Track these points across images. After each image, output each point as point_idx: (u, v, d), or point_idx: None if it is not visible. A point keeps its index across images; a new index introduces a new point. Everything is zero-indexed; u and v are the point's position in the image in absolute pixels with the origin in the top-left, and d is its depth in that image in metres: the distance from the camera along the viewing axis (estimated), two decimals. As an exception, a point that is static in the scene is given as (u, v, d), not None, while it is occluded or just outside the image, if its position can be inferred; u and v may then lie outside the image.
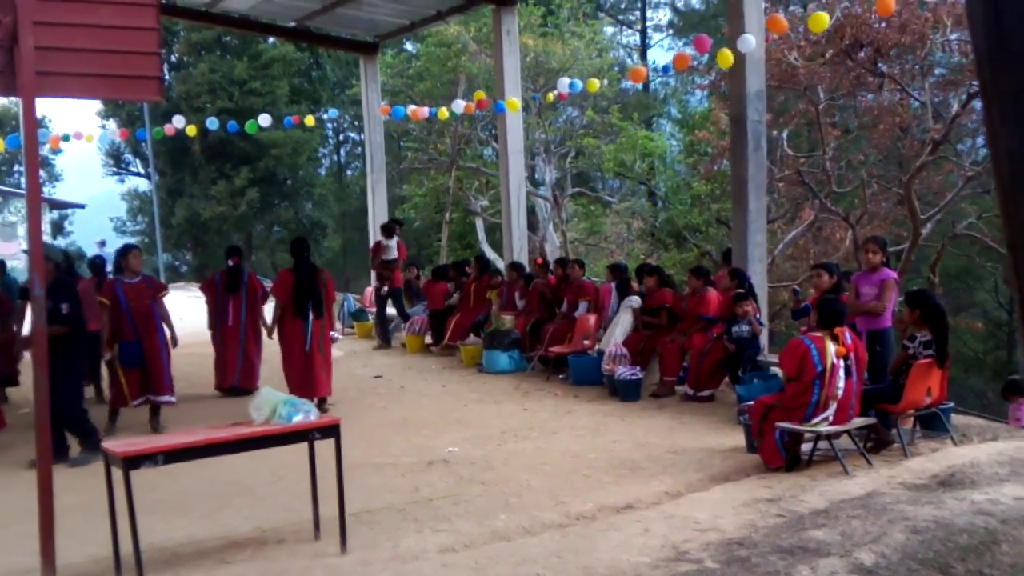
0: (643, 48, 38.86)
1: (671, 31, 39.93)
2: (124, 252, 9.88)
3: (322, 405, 10.20)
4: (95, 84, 6.04)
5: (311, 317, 10.06)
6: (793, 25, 14.18)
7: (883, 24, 13.57)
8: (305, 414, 5.63)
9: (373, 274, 17.97)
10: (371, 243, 18.87)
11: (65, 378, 8.17)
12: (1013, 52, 2.06)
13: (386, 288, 15.42)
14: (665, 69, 14.39)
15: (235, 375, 11.43)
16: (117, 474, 5.26)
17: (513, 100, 14.56)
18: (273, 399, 5.65)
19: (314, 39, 22.24)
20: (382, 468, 7.79)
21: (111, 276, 9.99)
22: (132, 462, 5.15)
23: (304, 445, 5.83)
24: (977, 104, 13.16)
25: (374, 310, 16.81)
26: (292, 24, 19.15)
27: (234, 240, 33.17)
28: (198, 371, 12.40)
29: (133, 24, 6.09)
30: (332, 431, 5.72)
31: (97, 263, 12.12)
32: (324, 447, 5.81)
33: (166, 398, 9.73)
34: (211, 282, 11.82)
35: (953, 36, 13.40)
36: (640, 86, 36.54)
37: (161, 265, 35.14)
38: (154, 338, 9.64)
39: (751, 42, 10.64)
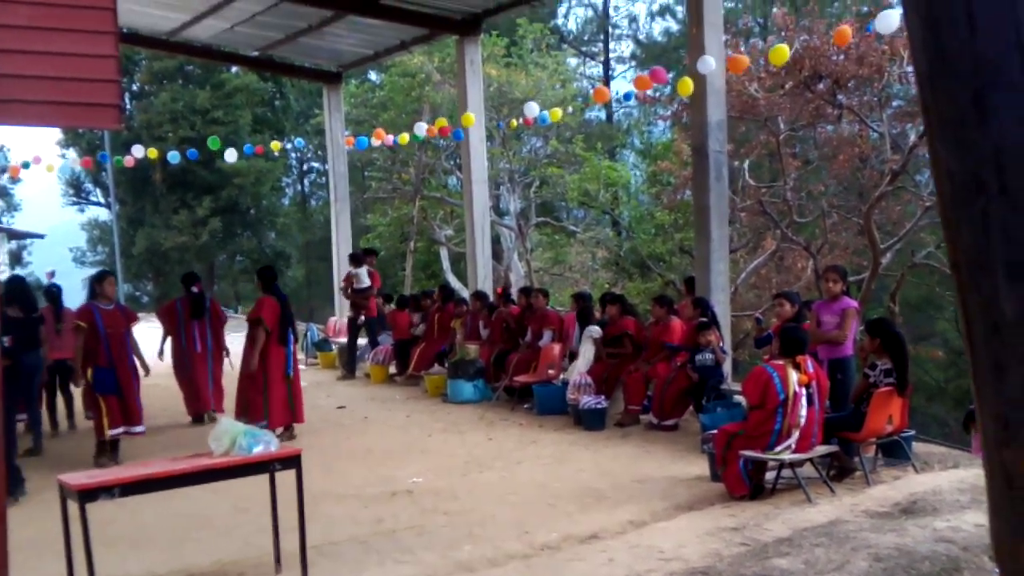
0: (606, 79, 39.13)
1: (634, 63, 40.34)
2: (100, 278, 9.76)
3: (290, 432, 10.14)
4: (52, 112, 5.95)
5: (291, 343, 10.17)
6: (753, 57, 14.36)
7: (841, 56, 13.80)
8: (266, 445, 5.56)
9: (347, 304, 17.89)
10: (335, 273, 18.84)
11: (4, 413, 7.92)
12: (952, 74, 2.08)
13: (362, 318, 15.34)
14: (627, 96, 14.49)
15: (210, 400, 11.34)
16: (73, 508, 5.16)
17: (469, 115, 14.61)
18: (233, 430, 5.57)
19: (277, 69, 22.21)
20: (344, 499, 7.70)
21: (88, 302, 9.71)
22: (88, 495, 5.06)
23: (266, 476, 5.75)
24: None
25: (339, 340, 16.75)
26: (255, 53, 19.13)
27: (195, 269, 32.84)
28: (156, 401, 12.20)
29: (91, 52, 6.04)
30: (293, 462, 5.64)
31: (53, 292, 11.91)
32: (286, 478, 5.74)
33: (139, 428, 9.63)
34: (171, 309, 11.68)
35: (910, 68, 13.63)
36: (604, 117, 36.95)
37: (122, 295, 34.65)
38: (126, 366, 9.56)
39: (711, 63, 10.74)
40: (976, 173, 2.06)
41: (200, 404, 11.46)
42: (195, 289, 11.50)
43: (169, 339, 11.58)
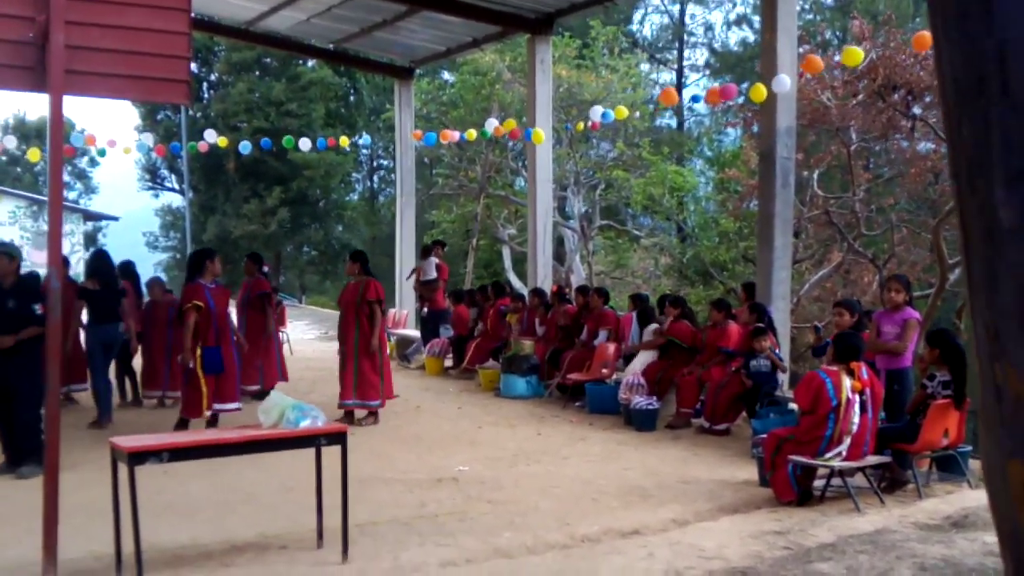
0: (679, 86, 38.90)
1: (707, 71, 40.04)
2: (209, 255, 9.82)
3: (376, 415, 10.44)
4: (123, 85, 6.10)
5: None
6: (827, 66, 14.14)
7: (917, 67, 13.52)
8: (313, 419, 5.63)
9: (409, 296, 18.11)
10: (398, 266, 19.02)
11: (32, 381, 7.97)
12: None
13: (426, 309, 15.50)
14: (695, 99, 14.38)
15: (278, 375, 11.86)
16: (124, 474, 5.27)
17: (539, 131, 14.64)
18: (282, 403, 5.65)
19: (351, 61, 22.47)
20: (390, 483, 7.76)
21: (195, 281, 9.65)
22: (137, 458, 5.16)
23: (313, 457, 5.82)
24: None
25: (396, 331, 16.94)
26: (330, 46, 19.39)
27: (265, 258, 33.41)
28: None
29: (164, 28, 6.17)
30: (339, 438, 5.70)
31: (130, 269, 12.18)
32: (333, 459, 5.79)
33: (234, 405, 9.66)
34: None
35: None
36: (674, 124, 36.74)
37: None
38: (230, 344, 9.68)
39: (786, 82, 10.64)
40: (978, 71, 2.00)
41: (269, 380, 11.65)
42: (266, 269, 11.78)
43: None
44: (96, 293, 10.52)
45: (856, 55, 10.42)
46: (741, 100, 18.89)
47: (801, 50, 13.21)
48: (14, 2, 5.69)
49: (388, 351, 10.69)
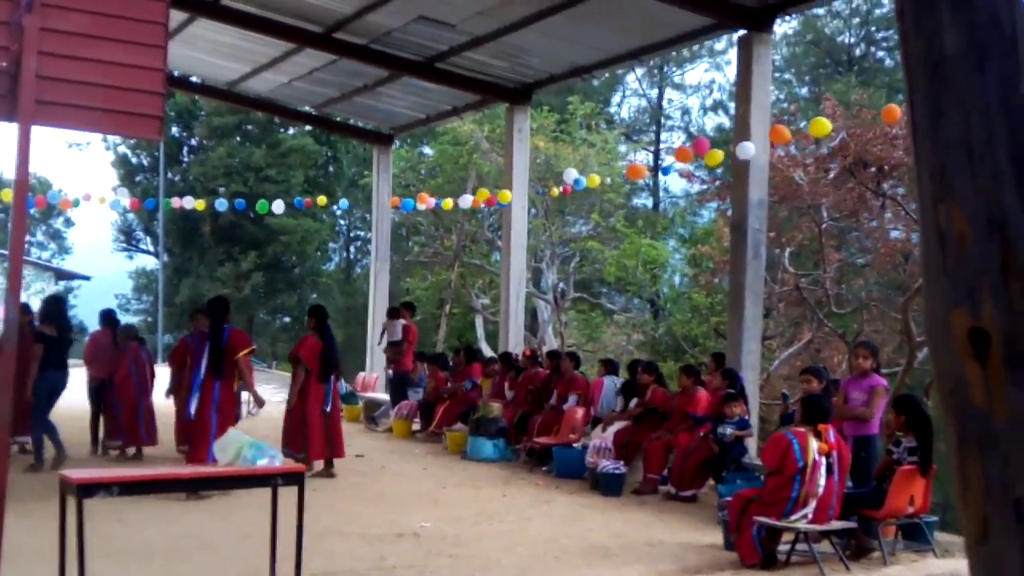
0: (655, 168, 39.44)
1: (676, 160, 40.56)
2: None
3: (330, 468, 10.38)
4: (95, 117, 6.06)
5: (331, 381, 10.50)
6: (797, 142, 14.40)
7: (888, 145, 13.77)
8: (270, 459, 5.51)
9: (378, 361, 18.05)
10: (370, 330, 18.95)
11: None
12: None
13: (391, 371, 15.41)
14: (666, 171, 14.60)
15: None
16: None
17: (506, 192, 14.81)
18: (239, 441, 5.54)
19: (331, 126, 22.67)
20: (349, 537, 7.60)
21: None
22: (87, 490, 5.03)
23: (267, 506, 5.69)
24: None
25: (365, 394, 16.82)
26: (311, 110, 19.57)
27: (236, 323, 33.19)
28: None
29: (140, 63, 6.17)
30: (296, 478, 5.58)
31: (112, 318, 12.16)
32: (289, 507, 5.65)
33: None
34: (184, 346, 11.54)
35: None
36: (650, 204, 37.15)
37: (160, 345, 35.07)
38: None
39: (750, 149, 10.81)
40: None
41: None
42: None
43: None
44: (53, 338, 10.40)
45: (823, 126, 10.62)
46: (716, 186, 19.20)
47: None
48: (-11, 31, 5.70)
49: (324, 408, 10.43)
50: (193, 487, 5.48)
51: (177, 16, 13.94)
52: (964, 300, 1.99)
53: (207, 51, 16.56)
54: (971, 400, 2.01)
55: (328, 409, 10.45)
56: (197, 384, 9.38)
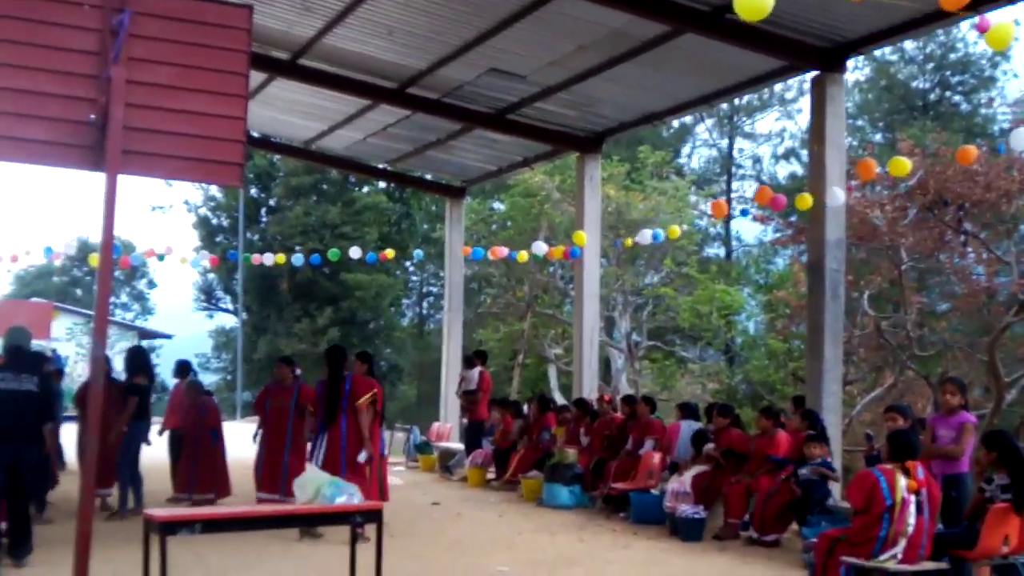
0: (728, 217, 39.17)
1: (756, 203, 40.26)
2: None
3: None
4: (179, 166, 6.25)
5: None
6: (876, 180, 14.18)
7: (968, 182, 13.49)
8: (349, 496, 5.54)
9: (453, 410, 18.12)
10: (443, 380, 19.04)
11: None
12: None
13: (466, 420, 15.45)
14: (744, 213, 14.47)
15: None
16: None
17: (581, 233, 14.80)
18: (318, 479, 5.58)
19: (405, 180, 23.04)
20: (427, 581, 7.56)
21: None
22: (169, 527, 5.10)
23: (346, 552, 5.72)
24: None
25: (440, 444, 16.87)
26: (385, 165, 19.94)
27: (311, 377, 33.61)
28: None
29: (221, 112, 6.36)
30: (375, 516, 5.59)
31: (188, 366, 12.43)
32: (366, 553, 5.67)
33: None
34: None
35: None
36: (722, 253, 36.85)
37: (239, 402, 35.69)
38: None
39: (839, 196, 10.70)
40: None
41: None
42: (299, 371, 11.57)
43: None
44: (145, 388, 10.69)
45: (903, 165, 10.44)
46: (791, 232, 18.97)
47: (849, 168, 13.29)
48: (78, 85, 5.92)
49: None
50: (275, 525, 5.51)
51: (256, 77, 14.38)
52: None
53: (284, 111, 17.05)
54: None
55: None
56: (321, 430, 9.45)
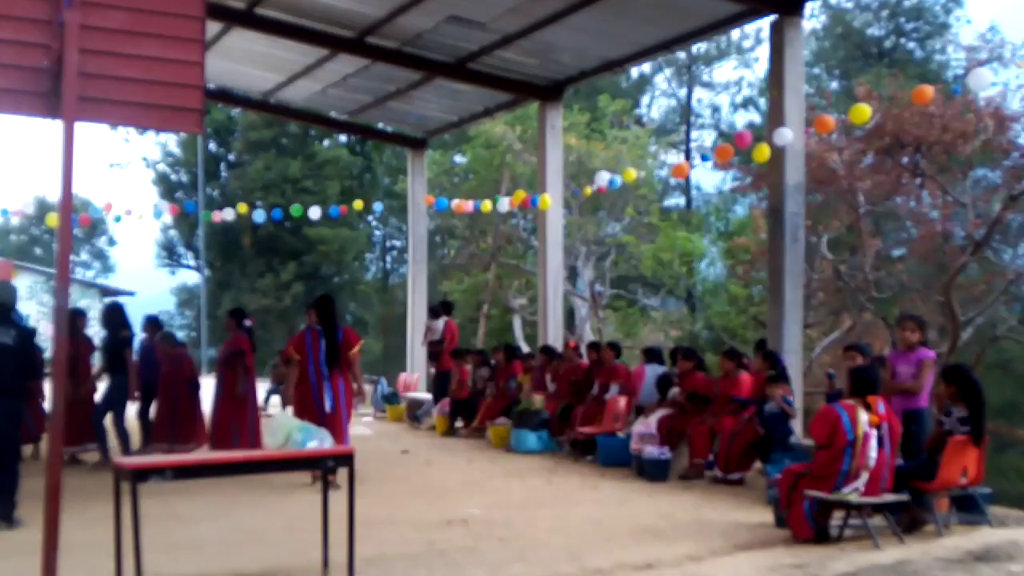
0: (689, 166, 39.24)
1: (713, 154, 40.35)
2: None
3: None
4: (136, 113, 6.15)
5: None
6: (836, 129, 14.27)
7: (923, 122, 13.61)
8: (320, 441, 5.56)
9: (419, 361, 18.21)
10: (409, 331, 19.09)
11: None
12: None
13: (433, 370, 15.53)
14: (704, 158, 14.54)
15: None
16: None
17: (546, 197, 14.82)
18: (288, 424, 5.60)
19: (365, 132, 22.83)
20: (399, 525, 7.64)
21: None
22: (140, 475, 5.10)
23: (318, 497, 5.75)
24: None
25: (407, 395, 16.97)
26: (345, 117, 19.72)
27: (277, 331, 33.53)
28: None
29: (178, 57, 6.25)
30: (346, 460, 5.63)
31: (154, 322, 12.32)
32: (338, 498, 5.71)
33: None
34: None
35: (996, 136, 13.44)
36: (682, 202, 36.99)
37: (203, 358, 35.44)
38: None
39: (787, 135, 10.74)
40: None
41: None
42: (248, 323, 11.40)
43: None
44: (129, 341, 10.70)
45: (863, 112, 10.51)
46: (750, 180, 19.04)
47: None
48: (31, 30, 5.80)
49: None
50: (246, 470, 5.52)
51: (212, 27, 14.12)
52: None
53: (242, 62, 16.75)
54: None
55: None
56: (324, 378, 9.42)
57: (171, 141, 39.92)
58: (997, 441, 20.50)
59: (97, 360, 11.58)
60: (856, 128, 14.59)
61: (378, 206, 22.82)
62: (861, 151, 15.07)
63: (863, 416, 6.86)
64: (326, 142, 37.53)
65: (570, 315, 24.16)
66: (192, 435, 11.12)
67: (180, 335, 44.13)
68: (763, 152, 11.21)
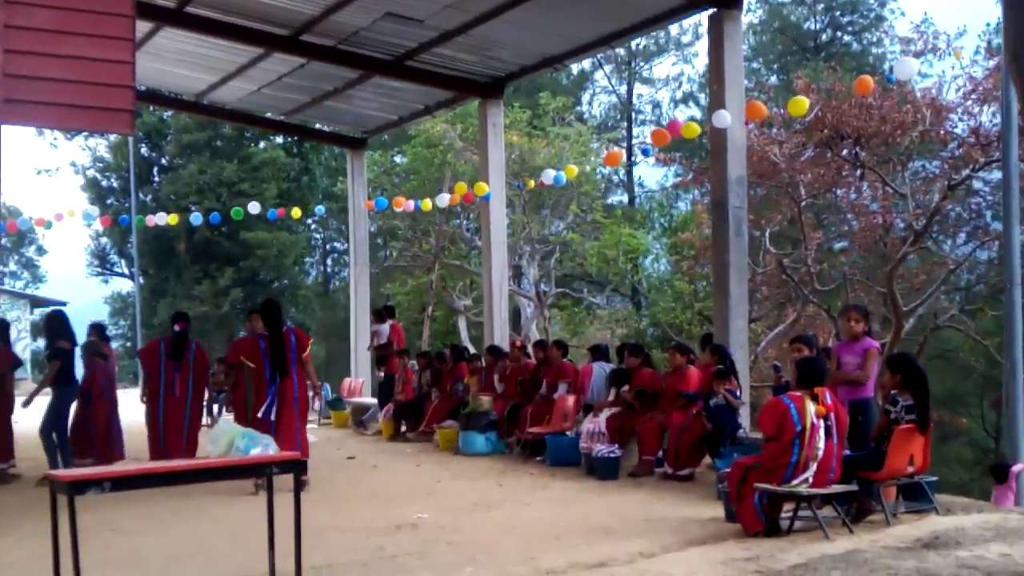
0: (629, 164, 39.42)
1: (656, 148, 40.59)
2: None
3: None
4: (65, 114, 5.97)
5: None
6: (774, 122, 14.41)
7: (863, 115, 13.77)
8: (264, 447, 5.40)
9: (364, 366, 18.02)
10: (353, 334, 18.86)
11: None
12: None
13: (382, 374, 15.37)
14: (646, 152, 14.56)
15: (182, 449, 10.60)
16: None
17: (482, 184, 14.71)
18: (231, 431, 5.42)
19: (303, 132, 22.54)
20: (347, 532, 7.48)
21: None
22: (77, 487, 4.89)
23: (263, 504, 5.58)
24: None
25: (352, 399, 16.77)
26: (282, 117, 19.42)
27: (216, 338, 32.93)
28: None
29: (107, 57, 6.06)
30: (292, 466, 5.46)
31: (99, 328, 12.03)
32: (284, 505, 5.55)
33: None
34: (154, 349, 11.07)
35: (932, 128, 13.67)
36: (625, 199, 37.14)
37: (140, 370, 34.66)
38: None
39: (726, 117, 10.78)
40: None
41: (162, 453, 10.54)
42: (176, 328, 11.06)
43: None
44: (70, 352, 10.41)
45: (801, 104, 10.59)
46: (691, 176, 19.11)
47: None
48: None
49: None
50: (188, 480, 5.33)
51: (141, 27, 13.77)
52: None
53: (173, 62, 16.39)
54: None
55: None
56: (273, 386, 9.31)
57: (101, 145, 39.01)
58: (940, 430, 20.89)
59: (26, 372, 11.29)
60: (796, 121, 14.72)
61: (320, 208, 22.52)
62: (802, 144, 15.22)
63: (811, 407, 6.86)
64: (262, 143, 36.98)
65: (516, 315, 24.12)
66: (105, 449, 10.81)
67: (115, 345, 43.31)
68: (692, 129, 11.26)
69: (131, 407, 11.94)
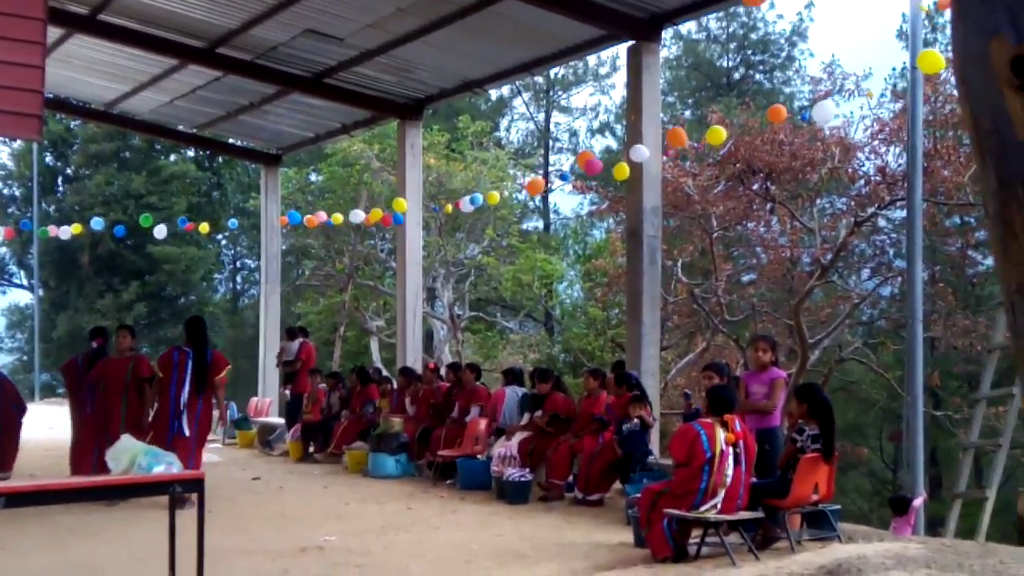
0: (545, 191, 39.65)
1: (572, 176, 40.95)
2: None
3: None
4: (-29, 116, 5.76)
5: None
6: (689, 155, 14.68)
7: (775, 151, 14.13)
8: (167, 465, 5.23)
9: (272, 386, 17.71)
10: (262, 353, 18.49)
11: None
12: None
13: (289, 393, 15.10)
14: (564, 177, 14.69)
15: (91, 466, 10.44)
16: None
17: (401, 200, 14.65)
18: (133, 448, 5.25)
19: (216, 147, 22.13)
20: (251, 554, 7.29)
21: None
22: (-33, 505, 4.67)
23: (166, 525, 5.40)
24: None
25: (259, 419, 16.43)
26: (194, 130, 19.06)
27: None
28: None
29: (16, 60, 5.87)
30: (195, 485, 5.31)
31: None
32: (189, 527, 5.39)
33: None
34: (72, 365, 10.80)
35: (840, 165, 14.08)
36: (541, 226, 37.36)
37: (37, 383, 33.43)
38: None
39: (644, 152, 10.94)
40: None
41: (78, 467, 10.17)
42: (94, 344, 10.75)
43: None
44: None
45: (719, 133, 10.81)
46: (606, 204, 19.29)
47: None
48: None
49: None
50: (86, 497, 5.14)
51: (51, 33, 13.36)
52: (1005, 25, 1.80)
53: (83, 70, 15.97)
54: (1014, 136, 1.83)
55: None
56: (183, 401, 9.32)
57: (3, 152, 37.78)
58: (841, 461, 21.40)
59: None
60: (710, 155, 15.02)
61: (233, 222, 22.08)
62: (715, 177, 15.53)
63: (721, 434, 6.95)
64: (172, 156, 36.22)
65: (429, 337, 23.99)
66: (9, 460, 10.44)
67: (10, 359, 41.83)
68: (623, 170, 11.39)
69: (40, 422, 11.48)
